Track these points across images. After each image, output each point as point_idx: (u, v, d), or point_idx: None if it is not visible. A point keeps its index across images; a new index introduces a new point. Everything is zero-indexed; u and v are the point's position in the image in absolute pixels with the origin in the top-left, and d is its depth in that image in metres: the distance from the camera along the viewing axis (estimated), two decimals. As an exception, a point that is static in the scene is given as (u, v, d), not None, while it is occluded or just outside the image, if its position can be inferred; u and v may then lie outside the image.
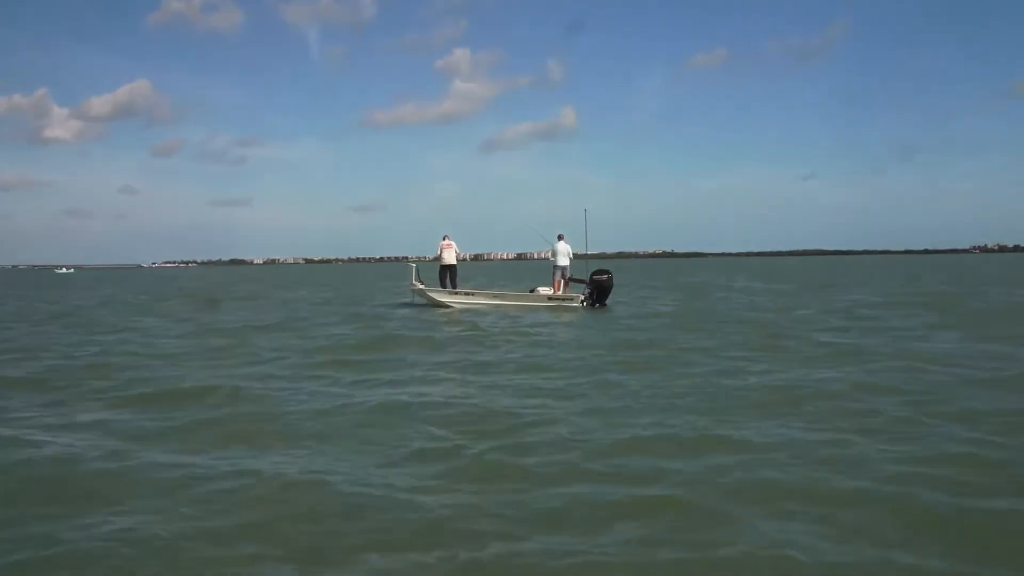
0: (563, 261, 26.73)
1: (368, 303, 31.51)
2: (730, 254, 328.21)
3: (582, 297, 26.09)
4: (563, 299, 26.18)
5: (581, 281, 26.63)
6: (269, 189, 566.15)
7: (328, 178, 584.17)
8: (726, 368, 12.50)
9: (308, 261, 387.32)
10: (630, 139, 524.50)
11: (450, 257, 27.41)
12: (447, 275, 27.34)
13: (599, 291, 26.27)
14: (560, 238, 26.95)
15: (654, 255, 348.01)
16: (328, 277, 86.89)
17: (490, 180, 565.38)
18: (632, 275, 66.44)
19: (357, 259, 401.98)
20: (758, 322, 20.36)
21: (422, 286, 27.09)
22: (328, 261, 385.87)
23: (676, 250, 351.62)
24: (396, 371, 12.77)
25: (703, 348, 15.04)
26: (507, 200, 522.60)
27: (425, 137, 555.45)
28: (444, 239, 27.47)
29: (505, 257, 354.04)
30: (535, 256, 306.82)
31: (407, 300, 29.66)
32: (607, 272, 26.45)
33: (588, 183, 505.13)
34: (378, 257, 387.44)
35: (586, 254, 27.38)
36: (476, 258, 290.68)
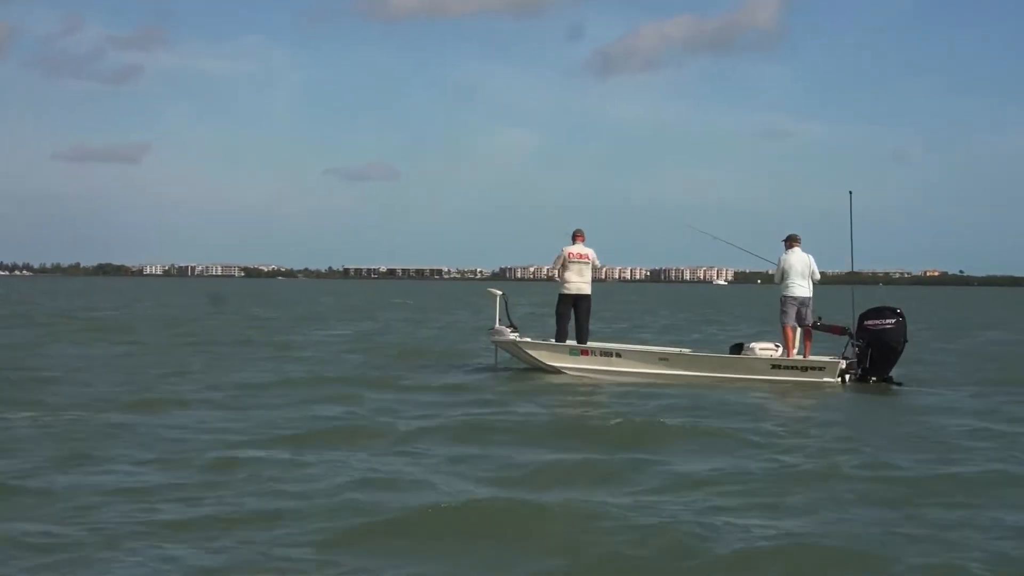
0: (801, 289, 13.68)
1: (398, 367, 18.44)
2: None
3: (843, 364, 13.29)
4: (804, 366, 13.22)
5: (838, 330, 13.71)
6: (179, 131, 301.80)
7: (292, 116, 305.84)
8: None
9: (250, 272, 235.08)
10: (877, 52, 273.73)
11: (582, 280, 14.40)
12: (570, 313, 14.42)
13: (879, 352, 13.28)
14: (791, 244, 13.93)
15: (921, 279, 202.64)
16: (280, 303, 48.53)
17: (603, 128, 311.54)
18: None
19: (344, 270, 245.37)
20: None
21: (515, 334, 14.05)
22: (288, 274, 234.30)
23: (967, 271, 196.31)
24: None
25: None
26: (639, 167, 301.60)
27: (479, 44, 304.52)
28: (575, 240, 14.52)
29: (629, 276, 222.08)
30: (696, 277, 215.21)
31: (489, 363, 15.08)
32: (895, 313, 13.30)
33: (798, 137, 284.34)
34: (384, 269, 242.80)
35: (849, 274, 14.27)
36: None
